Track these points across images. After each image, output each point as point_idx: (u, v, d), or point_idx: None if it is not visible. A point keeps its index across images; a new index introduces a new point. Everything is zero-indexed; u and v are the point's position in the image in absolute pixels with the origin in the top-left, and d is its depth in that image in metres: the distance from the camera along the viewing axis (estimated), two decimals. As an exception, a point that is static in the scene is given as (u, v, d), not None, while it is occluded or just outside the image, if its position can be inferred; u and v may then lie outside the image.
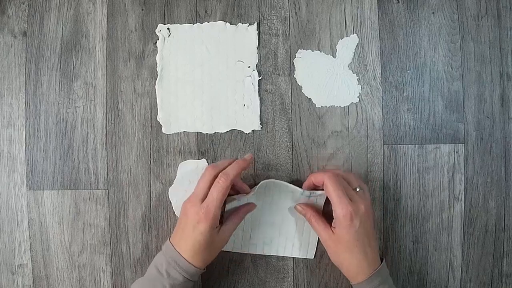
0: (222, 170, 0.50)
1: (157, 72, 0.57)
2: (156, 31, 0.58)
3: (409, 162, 0.57)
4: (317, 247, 0.56)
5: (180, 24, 0.58)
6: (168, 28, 0.58)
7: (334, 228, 0.49)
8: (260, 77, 0.57)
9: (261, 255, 0.57)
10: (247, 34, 0.57)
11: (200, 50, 0.58)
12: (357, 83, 0.57)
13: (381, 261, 0.50)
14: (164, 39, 0.57)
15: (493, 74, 0.57)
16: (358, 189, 0.51)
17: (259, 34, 0.57)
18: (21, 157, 0.58)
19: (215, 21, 0.57)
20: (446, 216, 0.57)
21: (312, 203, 0.53)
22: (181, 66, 0.58)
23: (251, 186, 0.53)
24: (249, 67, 0.57)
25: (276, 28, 0.58)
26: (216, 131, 0.57)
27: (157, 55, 0.57)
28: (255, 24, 0.57)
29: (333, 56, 0.57)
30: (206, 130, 0.57)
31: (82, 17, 0.58)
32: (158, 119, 0.57)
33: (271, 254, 0.57)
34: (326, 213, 0.53)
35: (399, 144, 0.57)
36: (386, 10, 0.57)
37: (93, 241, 0.58)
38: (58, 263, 0.58)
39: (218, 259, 0.57)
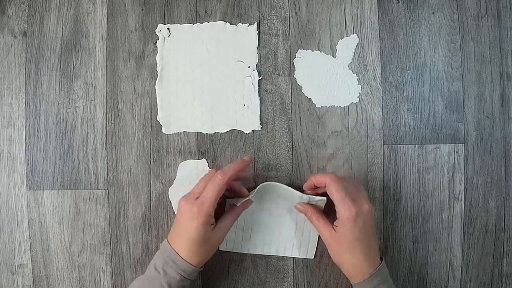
0: None
1: (157, 72, 0.57)
2: (156, 31, 0.58)
3: (409, 162, 0.57)
4: (317, 247, 0.56)
5: (180, 24, 0.58)
6: (168, 28, 0.58)
7: (336, 227, 0.49)
8: (260, 77, 0.57)
9: (261, 255, 0.57)
10: (247, 34, 0.57)
11: (200, 50, 0.58)
12: (357, 83, 0.57)
13: (381, 260, 0.50)
14: (164, 39, 0.57)
15: (493, 74, 0.57)
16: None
17: (259, 34, 0.57)
18: (21, 157, 0.58)
19: (215, 21, 0.57)
20: (446, 216, 0.57)
21: None
22: (181, 66, 0.58)
23: (251, 189, 0.53)
24: (249, 67, 0.57)
25: (276, 28, 0.58)
26: (216, 131, 0.57)
27: (157, 55, 0.57)
28: (255, 24, 0.57)
29: (333, 56, 0.57)
30: (206, 130, 0.57)
31: (82, 17, 0.58)
32: (158, 119, 0.57)
33: (271, 254, 0.57)
34: (325, 213, 0.53)
35: (399, 144, 0.57)
36: (386, 10, 0.57)
37: (93, 241, 0.58)
38: (58, 263, 0.58)
39: (218, 259, 0.57)
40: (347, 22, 0.57)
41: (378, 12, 0.57)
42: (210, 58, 0.58)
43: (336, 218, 0.49)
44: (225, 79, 0.57)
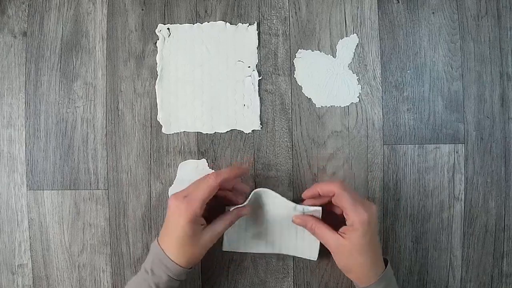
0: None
1: (157, 72, 0.57)
2: (156, 31, 0.58)
3: (409, 162, 0.57)
4: (319, 249, 0.55)
5: (180, 24, 0.58)
6: (168, 28, 0.58)
7: (343, 233, 0.48)
8: (260, 77, 0.57)
9: (261, 255, 0.57)
10: (247, 34, 0.57)
11: (200, 50, 0.58)
12: (357, 83, 0.57)
13: (384, 261, 0.50)
14: (164, 39, 0.57)
15: (493, 74, 0.57)
16: None
17: (259, 34, 0.58)
18: (21, 157, 0.58)
19: (215, 21, 0.57)
20: (446, 216, 0.57)
21: None
22: (181, 66, 0.58)
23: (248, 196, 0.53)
24: (249, 67, 0.57)
25: (276, 28, 0.58)
26: (216, 131, 0.57)
27: (157, 55, 0.57)
28: (255, 24, 0.57)
29: (333, 56, 0.57)
30: (206, 130, 0.57)
31: (82, 17, 0.58)
32: (158, 119, 0.57)
33: (274, 253, 0.56)
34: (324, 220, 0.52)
35: (399, 144, 0.57)
36: (386, 10, 0.57)
37: (93, 241, 0.58)
38: (58, 263, 0.58)
39: (218, 259, 0.57)
40: (347, 22, 0.57)
41: (378, 12, 0.57)
42: (210, 58, 0.58)
43: (333, 225, 0.49)
44: (225, 79, 0.57)
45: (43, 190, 0.58)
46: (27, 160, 0.58)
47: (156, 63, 0.58)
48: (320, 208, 0.51)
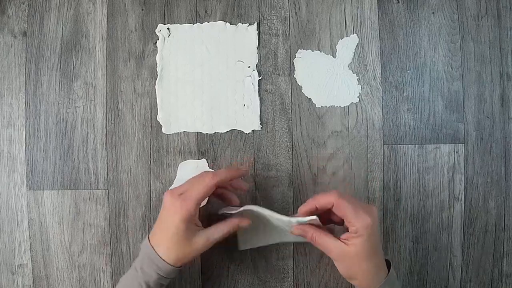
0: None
1: (157, 72, 0.57)
2: (156, 31, 0.58)
3: (409, 162, 0.57)
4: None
5: (180, 24, 0.58)
6: (168, 28, 0.58)
7: (347, 240, 0.47)
8: (260, 77, 0.57)
9: (261, 255, 0.57)
10: (247, 34, 0.57)
11: (200, 50, 0.58)
12: (357, 83, 0.57)
13: (387, 262, 0.49)
14: (164, 39, 0.57)
15: (493, 74, 0.57)
16: None
17: (259, 34, 0.57)
18: (21, 157, 0.58)
19: (215, 21, 0.57)
20: (446, 216, 0.57)
21: None
22: (181, 66, 0.58)
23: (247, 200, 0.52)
24: (249, 67, 0.57)
25: (276, 28, 0.58)
26: (216, 131, 0.57)
27: (157, 55, 0.57)
28: (255, 24, 0.57)
29: (333, 56, 0.57)
30: (206, 130, 0.57)
31: (82, 17, 0.58)
32: (158, 119, 0.57)
33: (291, 241, 0.55)
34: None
35: (399, 144, 0.57)
36: (386, 10, 0.57)
37: (93, 241, 0.58)
38: (58, 263, 0.58)
39: (218, 259, 0.57)
40: (347, 22, 0.57)
41: (378, 12, 0.57)
42: (210, 58, 0.58)
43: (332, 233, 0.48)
44: (225, 79, 0.57)
45: (43, 190, 0.58)
46: (27, 160, 0.58)
47: (156, 63, 0.58)
48: (316, 217, 0.48)
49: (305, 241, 0.52)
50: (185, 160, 0.57)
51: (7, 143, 0.58)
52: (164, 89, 0.57)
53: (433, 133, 0.57)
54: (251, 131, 0.57)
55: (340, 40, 0.57)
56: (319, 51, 0.57)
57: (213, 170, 0.57)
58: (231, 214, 0.51)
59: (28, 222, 0.58)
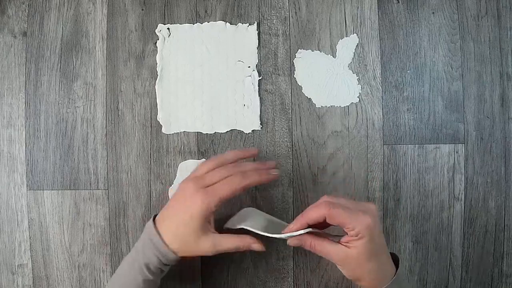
0: (228, 163, 0.48)
1: (157, 72, 0.57)
2: (156, 31, 0.58)
3: (409, 162, 0.57)
4: None
5: (180, 24, 0.58)
6: (168, 28, 0.58)
7: (348, 243, 0.45)
8: (260, 77, 0.57)
9: (262, 255, 0.57)
10: (247, 34, 0.57)
11: (200, 50, 0.58)
12: (357, 83, 0.57)
13: (395, 259, 0.48)
14: (164, 39, 0.57)
15: (493, 74, 0.57)
16: None
17: (259, 34, 0.58)
18: (21, 157, 0.58)
19: (215, 21, 0.57)
20: (446, 216, 0.57)
21: None
22: (181, 66, 0.58)
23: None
24: (249, 67, 0.57)
25: (276, 28, 0.58)
26: (216, 131, 0.57)
27: (157, 55, 0.57)
28: (255, 24, 0.57)
29: (333, 56, 0.57)
30: (206, 130, 0.57)
31: (82, 17, 0.58)
32: (158, 119, 0.57)
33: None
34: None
35: (399, 144, 0.57)
36: (386, 10, 0.57)
37: (93, 241, 0.58)
38: (58, 263, 0.58)
39: (218, 259, 0.57)
40: (347, 22, 0.57)
41: (378, 12, 0.57)
42: (210, 58, 0.58)
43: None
44: (225, 79, 0.57)
45: (43, 190, 0.58)
46: (27, 160, 0.58)
47: (156, 63, 0.58)
48: (309, 230, 0.46)
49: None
50: (185, 160, 0.57)
51: (7, 143, 0.58)
52: (164, 89, 0.57)
53: (433, 133, 0.57)
54: (251, 131, 0.57)
55: (340, 40, 0.57)
56: (319, 51, 0.57)
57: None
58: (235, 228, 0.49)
59: (28, 222, 0.58)
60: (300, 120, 0.57)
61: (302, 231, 0.46)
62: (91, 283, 0.58)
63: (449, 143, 0.57)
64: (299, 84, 0.57)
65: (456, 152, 0.57)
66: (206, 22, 0.58)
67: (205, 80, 0.57)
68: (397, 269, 0.47)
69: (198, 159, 0.57)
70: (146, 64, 0.58)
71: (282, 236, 0.47)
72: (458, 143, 0.57)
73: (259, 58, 0.57)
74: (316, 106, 0.57)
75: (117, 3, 0.58)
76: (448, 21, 0.57)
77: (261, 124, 0.57)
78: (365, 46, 0.57)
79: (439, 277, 0.57)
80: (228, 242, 0.47)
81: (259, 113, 0.57)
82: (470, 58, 0.57)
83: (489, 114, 0.57)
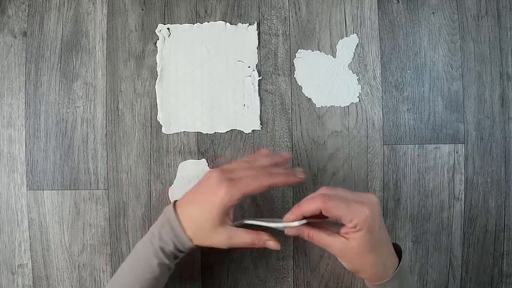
0: (261, 165, 0.47)
1: (157, 72, 0.57)
2: (156, 31, 0.58)
3: (409, 162, 0.57)
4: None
5: (180, 24, 0.58)
6: (168, 28, 0.58)
7: (347, 234, 0.44)
8: (260, 77, 0.57)
9: (261, 255, 0.57)
10: (247, 34, 0.57)
11: (200, 50, 0.58)
12: (357, 83, 0.57)
13: (397, 250, 0.47)
14: (164, 39, 0.57)
15: (493, 74, 0.57)
16: None
17: (259, 34, 0.58)
18: (21, 157, 0.58)
19: (215, 21, 0.57)
20: (446, 216, 0.57)
21: None
22: (181, 66, 0.58)
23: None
24: (249, 67, 0.57)
25: (276, 28, 0.58)
26: (216, 131, 0.57)
27: (157, 55, 0.57)
28: (255, 24, 0.57)
29: (333, 56, 0.57)
30: (206, 130, 0.57)
31: (82, 17, 0.58)
32: (158, 119, 0.57)
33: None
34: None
35: (399, 144, 0.57)
36: (386, 10, 0.57)
37: (93, 241, 0.58)
38: (58, 263, 0.58)
39: (218, 259, 0.57)
40: (347, 22, 0.57)
41: (378, 12, 0.57)
42: (210, 58, 0.58)
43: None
44: (225, 79, 0.57)
45: (43, 190, 0.58)
46: (27, 160, 0.58)
47: (156, 63, 0.58)
48: (304, 221, 0.45)
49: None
50: (185, 160, 0.57)
51: (7, 143, 0.58)
52: (164, 89, 0.57)
53: (433, 133, 0.57)
54: (251, 131, 0.57)
55: (340, 40, 0.57)
56: (319, 51, 0.57)
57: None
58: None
59: (28, 222, 0.58)
60: (300, 120, 0.57)
61: (297, 223, 0.45)
62: (91, 283, 0.58)
63: (449, 143, 0.57)
64: (299, 84, 0.57)
65: (456, 152, 0.57)
66: (206, 22, 0.58)
67: (205, 80, 0.57)
68: (400, 261, 0.46)
69: (198, 159, 0.57)
70: (146, 64, 0.58)
71: (280, 225, 0.47)
72: (458, 143, 0.57)
73: (259, 58, 0.57)
74: (316, 106, 0.57)
75: (117, 3, 0.58)
76: (448, 21, 0.57)
77: (261, 124, 0.57)
78: (365, 46, 0.57)
79: (439, 277, 0.57)
80: (243, 237, 0.47)
81: (259, 113, 0.57)
82: (470, 58, 0.57)
83: (489, 114, 0.57)
